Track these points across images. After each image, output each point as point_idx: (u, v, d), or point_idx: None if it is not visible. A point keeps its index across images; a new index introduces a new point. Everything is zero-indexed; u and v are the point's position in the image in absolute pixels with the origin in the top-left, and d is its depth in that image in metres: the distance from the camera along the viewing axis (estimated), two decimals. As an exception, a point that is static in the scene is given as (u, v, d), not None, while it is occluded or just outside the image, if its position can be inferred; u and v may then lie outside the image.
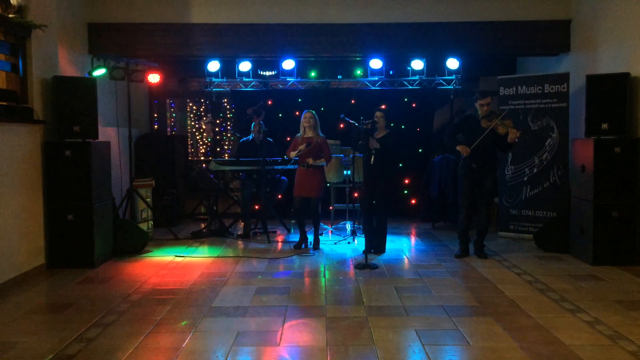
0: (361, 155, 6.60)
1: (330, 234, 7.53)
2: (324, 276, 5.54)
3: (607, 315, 4.23)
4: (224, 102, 12.10)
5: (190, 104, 12.53)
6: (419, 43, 7.53)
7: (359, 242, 6.96)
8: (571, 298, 4.69)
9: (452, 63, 8.17)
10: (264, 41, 7.46)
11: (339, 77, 9.00)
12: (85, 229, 5.78)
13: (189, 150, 11.48)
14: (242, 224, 7.72)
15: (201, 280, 5.38)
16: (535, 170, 7.14)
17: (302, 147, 6.46)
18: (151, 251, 6.60)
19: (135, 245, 6.50)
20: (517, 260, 6.06)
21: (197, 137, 12.71)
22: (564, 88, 6.95)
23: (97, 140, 6.04)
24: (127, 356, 3.54)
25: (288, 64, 8.12)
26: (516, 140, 5.89)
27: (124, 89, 7.19)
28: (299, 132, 6.75)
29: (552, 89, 7.03)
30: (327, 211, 7.95)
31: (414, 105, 8.94)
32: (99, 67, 6.80)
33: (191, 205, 9.18)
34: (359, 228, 7.41)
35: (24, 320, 4.25)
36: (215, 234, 7.53)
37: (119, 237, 6.39)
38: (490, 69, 9.09)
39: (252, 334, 3.94)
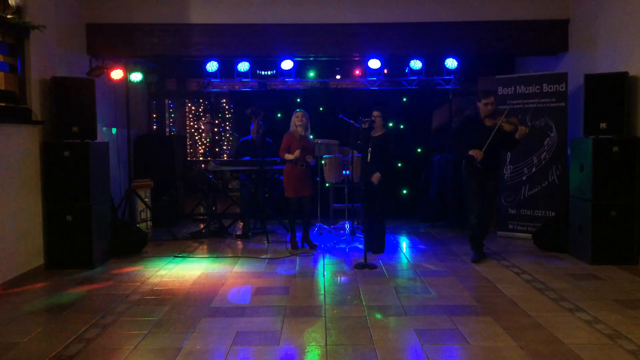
0: (359, 155, 6.61)
1: (329, 234, 7.53)
2: (323, 276, 5.54)
3: (606, 314, 4.23)
4: (223, 103, 12.11)
5: (189, 105, 12.53)
6: (417, 43, 7.54)
7: (358, 242, 6.96)
8: (570, 297, 4.69)
9: (451, 63, 8.17)
10: (263, 41, 7.46)
11: (337, 77, 9.00)
12: (84, 230, 5.77)
13: (188, 150, 11.48)
14: (241, 224, 7.72)
15: (200, 280, 5.38)
16: (534, 169, 7.15)
17: (297, 153, 6.47)
18: (150, 251, 6.60)
19: (134, 245, 6.50)
20: (516, 260, 6.06)
21: (196, 138, 12.71)
22: (562, 87, 6.96)
23: (95, 141, 6.04)
24: (127, 356, 3.54)
25: (287, 64, 8.12)
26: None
27: (122, 89, 7.19)
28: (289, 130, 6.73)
29: (550, 88, 7.04)
30: (326, 211, 7.95)
31: (412, 105, 8.94)
32: (134, 70, 6.80)
33: (190, 205, 9.17)
34: (358, 228, 7.41)
35: (23, 321, 4.25)
36: (214, 234, 7.53)
37: (118, 238, 6.38)
38: (489, 69, 9.09)
39: (252, 334, 3.94)
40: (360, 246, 6.61)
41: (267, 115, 7.97)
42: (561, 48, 7.42)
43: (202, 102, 12.40)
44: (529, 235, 6.90)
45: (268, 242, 7.13)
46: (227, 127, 12.27)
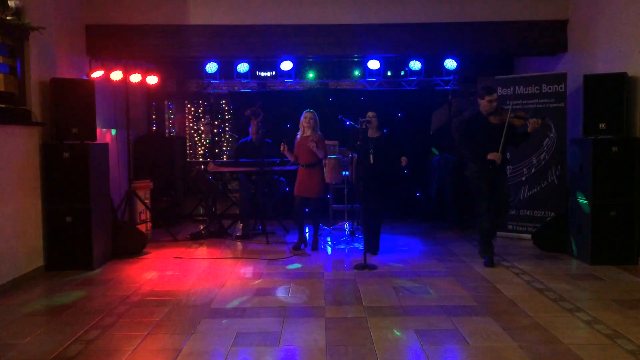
0: (355, 155, 6.61)
1: (329, 234, 7.53)
2: (323, 277, 5.54)
3: (606, 315, 4.24)
4: (222, 104, 12.09)
5: (189, 105, 12.51)
6: (416, 43, 7.53)
7: (358, 243, 6.97)
8: (570, 297, 4.70)
9: (450, 63, 8.18)
10: (262, 42, 7.46)
11: (337, 78, 9.01)
12: (84, 231, 5.77)
13: (188, 151, 11.46)
14: (241, 225, 7.72)
15: (200, 281, 5.38)
16: (533, 170, 7.15)
17: (290, 157, 6.52)
18: (150, 253, 6.60)
19: (134, 246, 6.50)
20: (516, 260, 6.07)
21: (196, 139, 12.69)
22: (561, 88, 6.97)
23: (95, 142, 6.04)
24: (126, 358, 3.54)
25: (286, 65, 8.12)
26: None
27: (122, 90, 7.19)
28: (298, 132, 6.75)
29: (549, 89, 7.05)
30: (326, 212, 7.95)
31: (411, 105, 8.95)
32: (134, 72, 6.80)
33: (190, 206, 9.17)
34: (358, 229, 7.42)
35: (22, 322, 4.25)
36: (214, 235, 7.53)
37: (118, 239, 6.38)
38: (488, 69, 9.08)
39: (252, 334, 3.94)
40: (360, 247, 6.61)
41: (267, 116, 7.97)
42: (560, 48, 7.43)
43: (201, 103, 12.38)
44: (529, 236, 6.90)
45: (268, 242, 7.14)
46: (227, 128, 12.26)
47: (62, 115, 5.86)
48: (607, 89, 5.90)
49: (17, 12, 5.32)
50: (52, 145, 5.83)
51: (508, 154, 7.03)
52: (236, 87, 8.80)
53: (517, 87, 7.26)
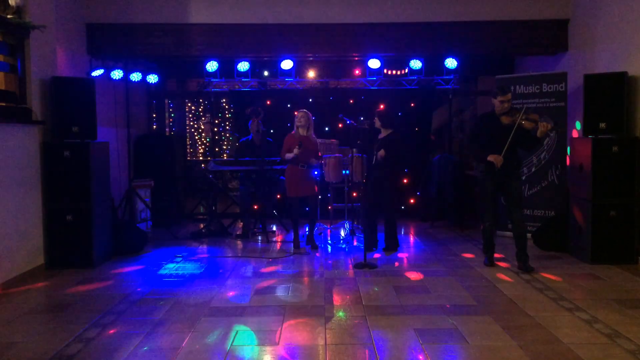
0: (359, 155, 6.64)
1: (329, 233, 7.54)
2: (323, 275, 5.55)
3: (606, 314, 4.24)
4: (223, 102, 12.11)
5: (189, 104, 12.52)
6: (417, 43, 7.55)
7: (358, 242, 6.97)
8: (569, 297, 4.70)
9: (451, 63, 8.18)
10: (263, 41, 7.46)
11: (337, 77, 9.01)
12: (85, 230, 5.78)
13: (188, 150, 11.48)
14: (241, 224, 7.73)
15: (200, 280, 5.39)
16: (533, 169, 7.15)
17: (295, 150, 6.46)
18: (150, 251, 6.61)
19: (134, 245, 6.51)
20: (516, 260, 6.06)
21: (196, 137, 12.71)
22: (561, 87, 6.97)
23: (95, 141, 6.04)
24: (127, 356, 3.55)
25: (286, 64, 8.12)
26: (549, 133, 5.42)
27: (122, 89, 7.20)
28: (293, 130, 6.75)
29: (550, 88, 7.04)
30: (326, 211, 7.96)
31: (412, 105, 8.95)
32: (134, 70, 6.76)
33: (190, 205, 9.18)
34: (358, 227, 7.42)
35: (23, 321, 4.25)
36: (214, 234, 7.54)
37: (118, 238, 6.39)
38: (489, 69, 9.11)
39: (251, 333, 3.94)
40: (360, 246, 6.61)
41: (267, 115, 7.97)
42: (561, 48, 7.43)
43: (202, 102, 12.39)
44: (529, 235, 6.89)
45: (268, 241, 7.14)
46: (227, 127, 12.27)
47: (62, 113, 5.86)
48: (607, 89, 5.90)
49: (18, 10, 5.32)
50: (52, 144, 5.83)
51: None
52: (237, 86, 8.80)
53: (517, 86, 7.25)
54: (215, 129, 12.27)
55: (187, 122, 12.54)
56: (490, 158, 5.50)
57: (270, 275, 5.57)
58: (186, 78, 10.23)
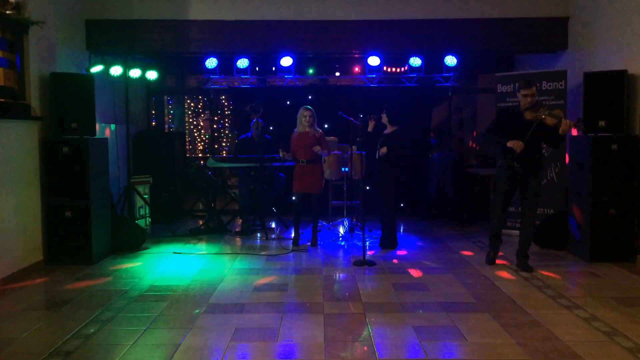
0: (359, 152, 6.66)
1: (328, 230, 7.54)
2: (322, 272, 5.55)
3: (604, 312, 4.25)
4: (222, 99, 12.09)
5: (188, 101, 12.51)
6: (417, 40, 7.53)
7: (357, 239, 6.97)
8: (568, 295, 4.71)
9: (450, 60, 8.17)
10: (262, 38, 7.45)
11: (337, 74, 8.99)
12: (83, 226, 5.77)
13: (187, 147, 11.47)
14: (240, 220, 7.72)
15: (199, 276, 5.39)
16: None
17: (282, 154, 6.55)
18: (149, 248, 6.61)
19: (133, 242, 6.51)
20: (514, 257, 6.06)
21: (195, 134, 12.70)
22: (561, 85, 6.96)
23: (94, 137, 6.04)
24: (125, 352, 3.55)
25: (286, 61, 8.11)
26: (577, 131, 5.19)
27: (121, 86, 7.18)
28: (295, 128, 6.75)
29: (549, 86, 7.04)
30: (325, 208, 7.96)
31: (412, 102, 8.94)
32: (134, 67, 6.77)
33: (189, 202, 9.17)
34: (357, 225, 7.42)
35: (22, 317, 4.25)
36: (213, 231, 7.53)
37: (117, 234, 6.38)
38: (488, 66, 9.09)
39: (250, 330, 3.95)
40: (359, 243, 6.62)
41: (267, 112, 7.97)
42: (560, 46, 7.42)
43: (201, 99, 12.38)
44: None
45: (267, 238, 7.14)
46: (227, 124, 12.27)
47: (61, 110, 5.85)
48: (607, 87, 5.89)
49: (17, 6, 5.31)
50: (51, 140, 5.82)
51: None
52: (236, 83, 8.79)
53: (517, 84, 7.22)
54: (215, 126, 12.27)
55: (187, 119, 12.54)
56: (509, 143, 5.27)
57: (269, 272, 5.57)
58: (185, 75, 10.22)
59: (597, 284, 5.07)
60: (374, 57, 8.03)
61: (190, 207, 9.06)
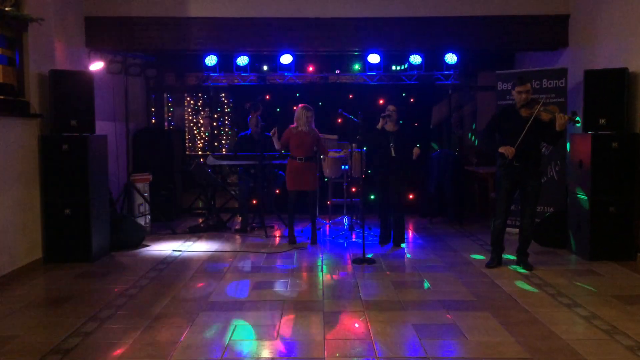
0: (358, 150, 6.66)
1: (328, 228, 7.53)
2: (322, 270, 5.55)
3: (604, 310, 4.24)
4: (222, 97, 12.08)
5: (188, 99, 12.50)
6: (417, 38, 7.52)
7: (357, 237, 6.97)
8: (568, 293, 4.70)
9: (450, 58, 8.15)
10: (262, 35, 7.43)
11: (337, 71, 8.98)
12: (83, 223, 5.76)
13: (187, 144, 11.46)
14: (240, 218, 7.72)
15: (198, 274, 5.38)
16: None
17: (274, 133, 6.56)
18: (149, 246, 6.60)
19: (133, 239, 6.50)
20: (515, 256, 6.06)
21: (195, 132, 12.69)
22: (562, 83, 6.95)
23: (94, 134, 6.02)
24: (124, 350, 3.54)
25: (286, 59, 8.09)
26: (571, 126, 5.16)
27: (121, 83, 7.16)
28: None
29: (550, 84, 7.03)
30: (325, 206, 7.95)
31: (412, 100, 8.93)
32: (133, 64, 6.77)
33: (189, 199, 9.17)
34: (357, 223, 7.42)
35: (21, 315, 4.25)
36: (212, 229, 7.53)
37: (117, 232, 6.38)
38: (489, 64, 9.08)
39: (250, 328, 3.94)
40: (359, 241, 6.61)
41: (266, 109, 7.95)
42: (561, 43, 7.40)
43: (201, 96, 12.36)
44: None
45: (266, 236, 7.14)
46: (226, 122, 12.25)
47: (60, 107, 5.83)
48: (607, 85, 5.88)
49: (16, 3, 5.30)
50: (50, 137, 5.81)
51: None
52: (236, 81, 8.78)
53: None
54: (215, 124, 12.25)
55: (186, 117, 12.53)
56: (501, 149, 5.27)
57: (269, 269, 5.56)
58: (185, 72, 10.20)
59: (597, 282, 5.06)
60: (374, 54, 8.01)
61: (190, 205, 9.06)
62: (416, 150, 6.28)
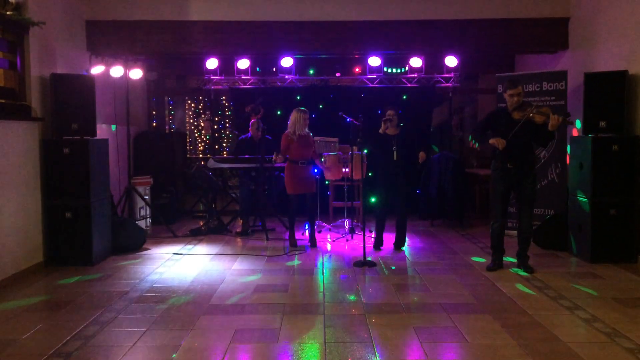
0: (359, 152, 6.66)
1: (329, 231, 7.53)
2: (323, 273, 5.55)
3: (605, 313, 4.24)
4: (223, 100, 12.10)
5: (189, 102, 12.53)
6: (417, 40, 7.53)
7: (358, 240, 6.97)
8: (569, 295, 4.70)
9: (451, 61, 8.16)
10: (263, 38, 7.45)
11: (337, 74, 8.99)
12: (84, 227, 5.77)
13: (188, 147, 11.47)
14: (241, 221, 7.72)
15: (199, 277, 5.39)
16: (533, 167, 7.13)
17: (275, 157, 6.48)
18: (149, 249, 6.61)
19: (134, 242, 6.51)
20: (516, 258, 6.05)
21: (196, 135, 12.71)
22: (562, 86, 6.95)
23: (95, 138, 6.03)
24: (125, 354, 3.54)
25: (287, 62, 8.11)
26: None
27: (122, 86, 7.18)
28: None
29: (550, 86, 7.03)
30: (325, 209, 7.96)
31: (412, 103, 8.93)
32: (134, 67, 6.76)
33: (190, 202, 9.18)
34: (357, 225, 7.42)
35: (22, 318, 4.25)
36: (213, 232, 7.53)
37: (118, 235, 6.38)
38: (489, 67, 9.10)
39: (250, 331, 3.94)
40: (360, 244, 6.60)
41: (267, 112, 7.96)
42: (561, 46, 7.41)
43: (201, 99, 12.39)
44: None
45: (267, 239, 7.14)
46: (227, 125, 12.27)
47: (62, 110, 5.85)
48: (607, 87, 5.88)
49: (18, 7, 5.31)
50: (52, 140, 5.82)
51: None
52: (236, 84, 8.80)
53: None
54: (215, 127, 12.27)
55: (187, 120, 12.55)
56: (491, 141, 5.27)
57: (270, 272, 5.56)
58: (186, 75, 10.23)
59: (598, 284, 5.06)
60: (375, 57, 8.02)
61: (191, 208, 9.07)
62: (422, 155, 6.30)
